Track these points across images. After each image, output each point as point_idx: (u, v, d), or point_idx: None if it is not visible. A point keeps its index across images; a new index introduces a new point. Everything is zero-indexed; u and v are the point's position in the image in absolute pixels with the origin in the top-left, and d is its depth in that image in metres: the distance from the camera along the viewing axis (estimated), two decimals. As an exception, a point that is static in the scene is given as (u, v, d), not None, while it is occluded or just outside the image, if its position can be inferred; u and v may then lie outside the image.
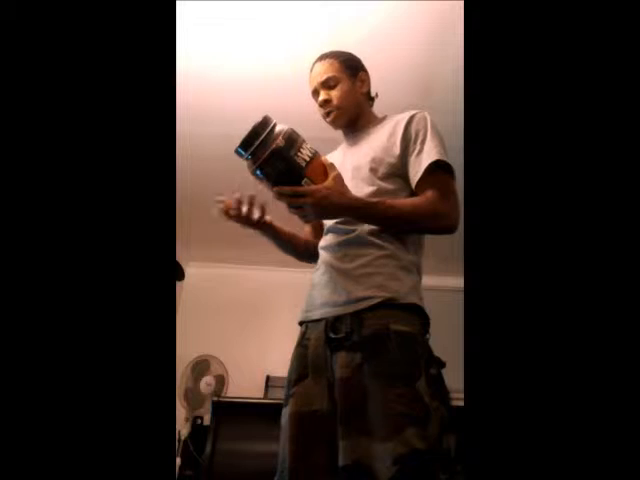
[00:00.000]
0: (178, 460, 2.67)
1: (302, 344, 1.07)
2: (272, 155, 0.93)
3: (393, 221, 1.04)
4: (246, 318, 3.51)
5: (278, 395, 3.11)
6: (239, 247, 3.50)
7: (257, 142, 0.93)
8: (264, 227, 1.18)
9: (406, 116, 1.14)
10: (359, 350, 0.95)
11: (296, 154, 0.95)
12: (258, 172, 0.96)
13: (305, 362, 1.03)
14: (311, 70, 1.25)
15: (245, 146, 0.94)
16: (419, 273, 1.09)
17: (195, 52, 1.98)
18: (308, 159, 0.96)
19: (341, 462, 0.89)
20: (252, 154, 0.94)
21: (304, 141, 0.98)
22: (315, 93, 1.23)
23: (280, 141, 0.93)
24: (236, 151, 0.96)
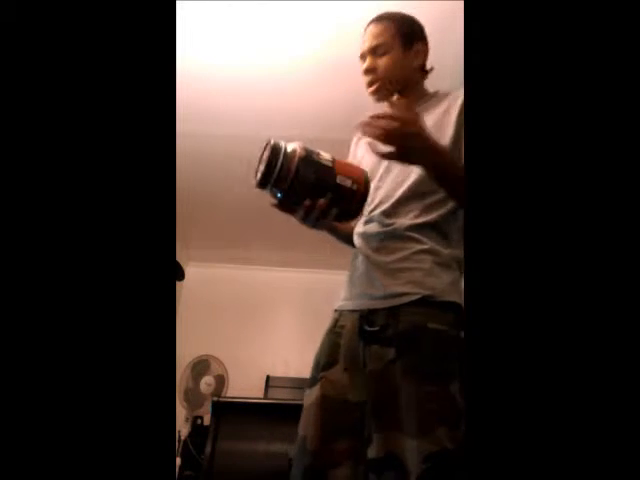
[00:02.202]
0: (178, 460, 2.67)
1: (334, 331, 1.05)
2: (299, 167, 0.90)
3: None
4: (246, 318, 3.51)
5: (278, 395, 3.12)
6: (239, 247, 3.51)
7: (278, 165, 0.89)
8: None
9: (461, 95, 1.05)
10: (393, 345, 0.94)
11: (319, 157, 0.93)
12: (288, 199, 0.92)
13: (336, 349, 1.02)
14: (365, 30, 1.16)
15: (267, 178, 0.90)
16: (460, 268, 1.03)
17: (195, 52, 1.98)
18: (331, 159, 0.94)
19: (374, 454, 0.89)
20: (278, 180, 0.90)
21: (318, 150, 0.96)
22: (362, 57, 1.15)
23: (300, 152, 0.91)
24: (260, 187, 0.92)
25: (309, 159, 0.91)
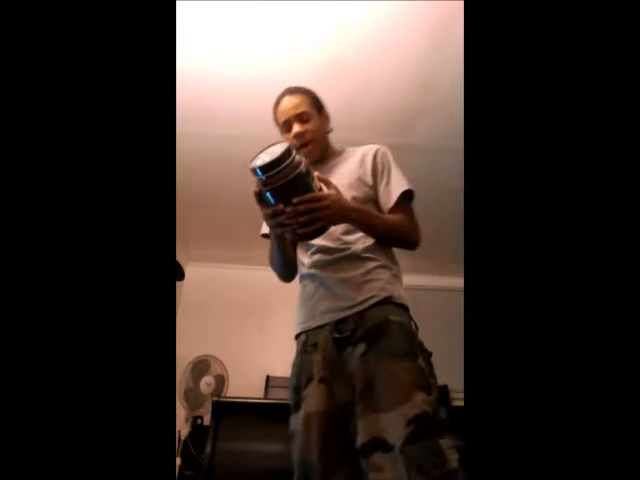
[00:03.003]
0: (178, 460, 2.67)
1: (306, 351, 1.14)
2: (296, 178, 0.98)
3: (384, 231, 1.18)
4: (246, 318, 3.51)
5: (278, 395, 3.11)
6: (239, 247, 3.50)
7: (283, 164, 0.97)
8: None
9: (371, 149, 1.29)
10: (364, 341, 1.06)
11: (312, 180, 1.02)
12: (269, 194, 0.99)
13: (311, 367, 1.10)
14: (279, 102, 1.30)
15: (269, 168, 0.97)
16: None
17: (195, 52, 1.98)
18: (319, 187, 1.04)
19: (360, 441, 0.97)
20: (275, 175, 0.97)
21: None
22: (286, 124, 1.28)
23: (302, 168, 0.99)
24: (255, 171, 0.99)
25: (305, 177, 1.00)
